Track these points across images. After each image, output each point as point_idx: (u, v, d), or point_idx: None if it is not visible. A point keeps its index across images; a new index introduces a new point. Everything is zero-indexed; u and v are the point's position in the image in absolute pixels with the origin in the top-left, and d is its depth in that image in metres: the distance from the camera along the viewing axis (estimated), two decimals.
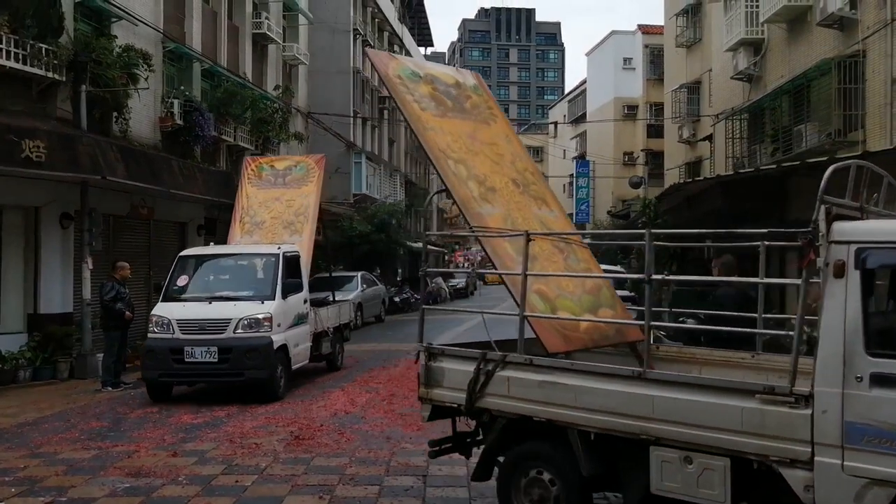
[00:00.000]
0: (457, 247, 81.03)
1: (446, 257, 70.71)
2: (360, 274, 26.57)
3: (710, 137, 27.19)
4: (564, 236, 7.13)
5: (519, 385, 5.58)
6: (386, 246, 33.05)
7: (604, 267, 21.37)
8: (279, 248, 12.88)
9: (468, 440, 6.60)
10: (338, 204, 32.70)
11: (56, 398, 12.35)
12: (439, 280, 43.64)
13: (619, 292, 19.16)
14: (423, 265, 7.74)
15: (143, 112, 17.63)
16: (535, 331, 5.83)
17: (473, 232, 6.35)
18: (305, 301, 13.28)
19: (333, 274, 27.80)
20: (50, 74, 14.35)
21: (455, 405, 6.03)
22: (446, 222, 77.06)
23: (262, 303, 11.98)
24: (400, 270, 42.69)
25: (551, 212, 7.26)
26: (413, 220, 51.47)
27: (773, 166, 15.66)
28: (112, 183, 15.05)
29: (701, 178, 21.66)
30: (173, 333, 11.62)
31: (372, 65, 6.85)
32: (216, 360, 11.42)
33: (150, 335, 12.01)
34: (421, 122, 6.64)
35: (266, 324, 11.71)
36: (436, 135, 6.66)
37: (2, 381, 13.37)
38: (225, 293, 12.36)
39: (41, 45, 14.12)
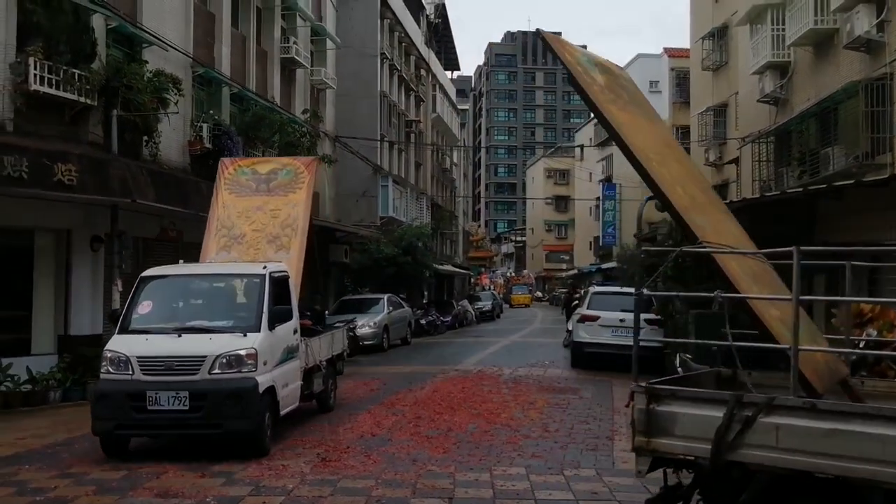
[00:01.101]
0: (482, 270, 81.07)
1: (472, 280, 70.70)
2: (386, 296, 26.63)
3: (736, 160, 27.06)
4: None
5: (794, 434, 4.62)
6: (412, 268, 33.13)
7: (632, 291, 21.38)
8: (265, 267, 10.65)
9: (679, 493, 5.76)
10: (364, 227, 32.89)
11: (86, 419, 12.32)
12: (465, 303, 43.66)
13: (645, 316, 19.11)
14: (646, 284, 6.25)
15: (172, 136, 17.88)
16: (799, 369, 4.92)
17: (710, 247, 5.36)
18: (295, 331, 11.00)
19: (360, 296, 28.06)
20: (82, 99, 14.60)
21: (692, 458, 5.08)
22: (472, 245, 77.22)
23: (245, 335, 9.65)
24: (426, 293, 42.75)
25: (735, 224, 6.43)
26: (439, 243, 51.59)
27: (800, 189, 15.55)
28: (142, 206, 15.26)
29: (727, 200, 21.53)
30: (132, 374, 9.29)
31: (549, 49, 5.81)
32: (187, 407, 9.11)
33: (102, 376, 9.58)
34: (613, 117, 5.75)
35: (250, 362, 9.41)
36: (630, 131, 5.76)
37: (33, 402, 13.53)
38: (198, 323, 10.04)
39: (74, 70, 14.40)
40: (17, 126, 13.64)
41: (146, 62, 16.87)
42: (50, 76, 13.89)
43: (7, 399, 13.23)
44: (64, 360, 14.49)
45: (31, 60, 13.55)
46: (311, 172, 13.29)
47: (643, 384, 5.30)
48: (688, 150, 37.58)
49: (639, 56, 50.84)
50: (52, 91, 13.96)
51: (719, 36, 28.92)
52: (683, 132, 40.42)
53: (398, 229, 35.35)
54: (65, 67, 14.20)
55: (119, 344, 9.65)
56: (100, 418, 9.34)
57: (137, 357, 9.36)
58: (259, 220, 12.43)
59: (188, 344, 9.54)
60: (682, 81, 41.76)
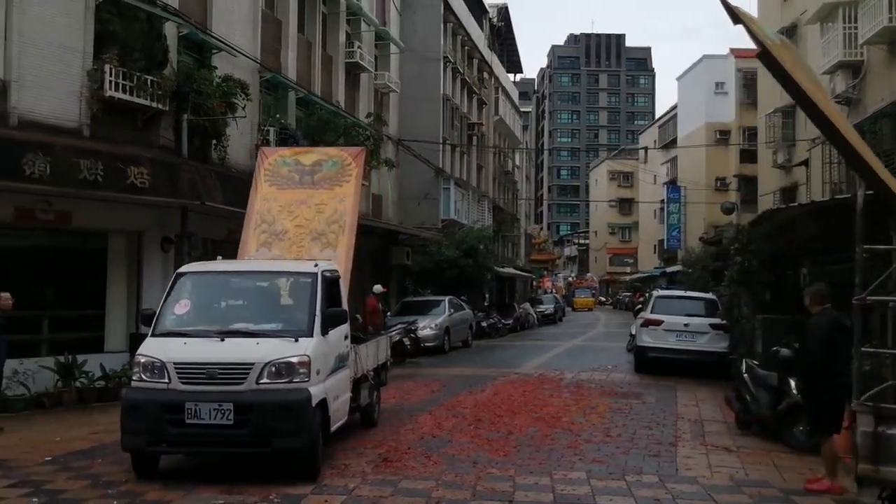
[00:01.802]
0: (545, 272, 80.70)
1: (534, 283, 70.43)
2: (447, 298, 26.71)
3: (806, 162, 26.43)
4: None
5: None
6: (474, 271, 33.17)
7: (697, 295, 21.08)
8: (316, 265, 9.62)
9: None
10: (426, 229, 33.06)
11: None
12: (527, 306, 43.53)
13: (711, 320, 18.75)
14: (870, 289, 5.27)
15: (240, 140, 18.25)
16: None
17: None
18: (346, 337, 9.92)
19: (421, 298, 28.21)
20: (154, 104, 15.06)
21: None
22: (534, 248, 76.93)
23: (296, 341, 8.52)
24: (487, 296, 42.74)
25: None
26: (501, 246, 51.53)
27: (872, 192, 15.14)
28: (210, 208, 15.63)
29: (796, 203, 21.08)
30: (169, 382, 8.19)
31: (736, 19, 5.35)
32: (231, 421, 7.98)
33: (134, 383, 8.51)
34: (821, 103, 5.25)
35: (302, 370, 8.28)
36: (840, 120, 5.27)
37: (106, 398, 13.94)
38: (243, 326, 8.93)
39: (147, 76, 14.86)
40: (93, 131, 14.14)
41: (215, 68, 17.28)
42: (124, 82, 14.37)
43: (82, 395, 13.70)
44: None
45: (106, 67, 14.07)
46: (359, 164, 11.99)
47: (869, 403, 4.59)
48: (755, 152, 36.94)
49: (704, 57, 50.02)
50: (126, 97, 14.44)
51: (788, 35, 28.24)
52: (751, 134, 39.72)
53: (460, 231, 35.44)
54: (138, 74, 14.67)
55: (153, 348, 8.55)
56: (130, 432, 8.21)
57: (175, 363, 8.25)
58: (303, 214, 11.27)
59: (233, 349, 8.43)
60: (749, 82, 41.00)
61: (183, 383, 8.19)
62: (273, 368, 8.21)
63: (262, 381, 8.17)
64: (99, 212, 14.45)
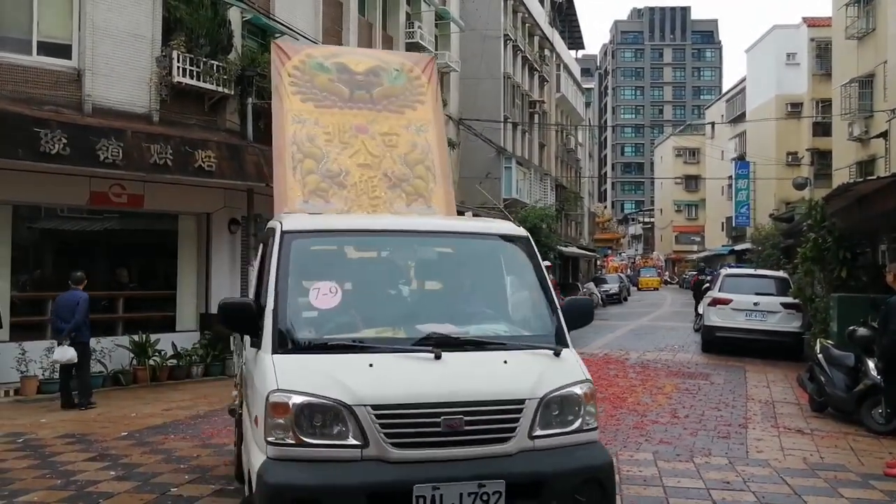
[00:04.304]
0: (609, 251, 79.89)
1: (598, 262, 69.81)
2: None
3: (884, 134, 25.51)
4: None
5: None
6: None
7: (767, 273, 20.57)
8: (519, 225, 6.16)
9: None
10: (488, 209, 32.96)
11: (225, 393, 13.00)
12: (590, 285, 43.17)
13: (783, 299, 18.30)
14: None
15: None
16: None
17: None
18: None
19: None
20: (220, 89, 15.30)
21: None
22: (598, 226, 76.18)
23: (557, 354, 4.76)
24: (551, 276, 42.46)
25: None
26: (564, 225, 51.15)
27: None
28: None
29: (874, 177, 20.37)
30: (365, 446, 4.08)
31: None
32: None
33: (273, 450, 4.09)
34: None
35: (591, 408, 4.60)
36: None
37: (177, 377, 14.34)
38: (451, 330, 4.77)
39: (213, 62, 15.09)
40: (162, 116, 14.45)
41: None
42: (191, 68, 14.64)
43: (155, 373, 14.11)
44: (205, 336, 15.26)
45: (174, 54, 14.35)
46: (433, 78, 7.50)
47: None
48: (829, 124, 35.82)
49: (774, 28, 48.56)
50: (193, 82, 14.71)
51: (865, 1, 27.28)
52: (825, 105, 38.53)
53: (522, 211, 35.27)
54: (204, 59, 14.91)
55: (307, 375, 4.26)
56: None
57: (373, 406, 4.11)
58: (367, 148, 6.72)
59: (471, 374, 4.43)
60: (822, 52, 39.70)
61: (396, 446, 4.12)
62: (552, 406, 4.47)
63: (536, 433, 4.39)
64: (169, 194, 14.76)
